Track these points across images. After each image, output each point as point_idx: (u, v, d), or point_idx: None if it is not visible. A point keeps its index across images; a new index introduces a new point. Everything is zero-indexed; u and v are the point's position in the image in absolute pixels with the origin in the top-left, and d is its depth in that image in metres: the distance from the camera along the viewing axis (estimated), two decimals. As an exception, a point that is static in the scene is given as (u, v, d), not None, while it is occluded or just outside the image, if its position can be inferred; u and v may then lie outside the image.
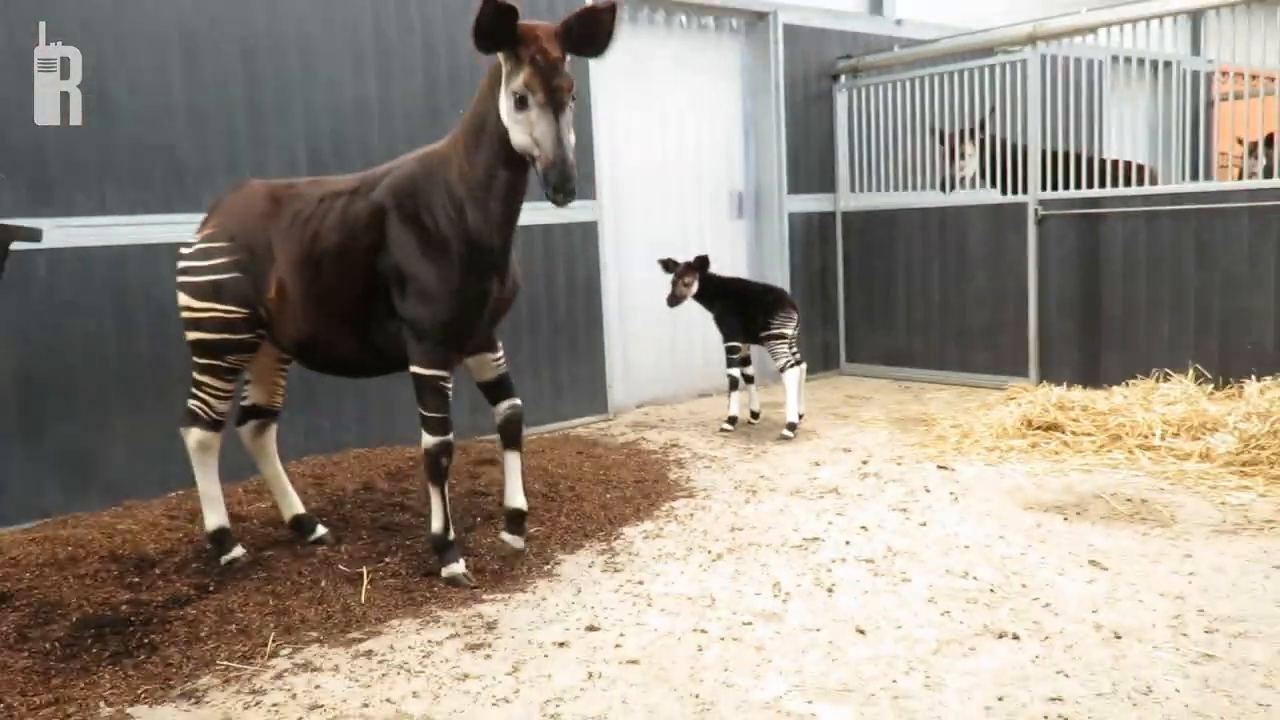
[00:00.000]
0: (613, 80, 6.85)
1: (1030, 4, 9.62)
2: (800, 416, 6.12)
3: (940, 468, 5.28)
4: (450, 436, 3.83)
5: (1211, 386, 5.91)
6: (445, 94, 5.94)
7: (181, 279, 4.00)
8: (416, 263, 3.67)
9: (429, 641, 3.35)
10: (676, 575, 3.89)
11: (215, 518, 4.10)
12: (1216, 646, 3.08)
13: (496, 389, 4.07)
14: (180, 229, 5.07)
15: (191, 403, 4.06)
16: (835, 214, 8.27)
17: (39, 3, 4.61)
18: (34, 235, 3.74)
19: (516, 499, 4.09)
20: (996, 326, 7.31)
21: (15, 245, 3.79)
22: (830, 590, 3.69)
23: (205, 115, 5.16)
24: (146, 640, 3.34)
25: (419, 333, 3.72)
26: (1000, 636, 3.23)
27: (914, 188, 7.84)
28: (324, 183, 4.11)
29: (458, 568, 3.87)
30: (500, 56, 3.43)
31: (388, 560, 4.06)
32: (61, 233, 4.67)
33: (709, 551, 4.15)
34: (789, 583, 3.77)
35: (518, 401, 4.09)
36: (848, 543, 4.19)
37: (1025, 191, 7.01)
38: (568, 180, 3.34)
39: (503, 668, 3.15)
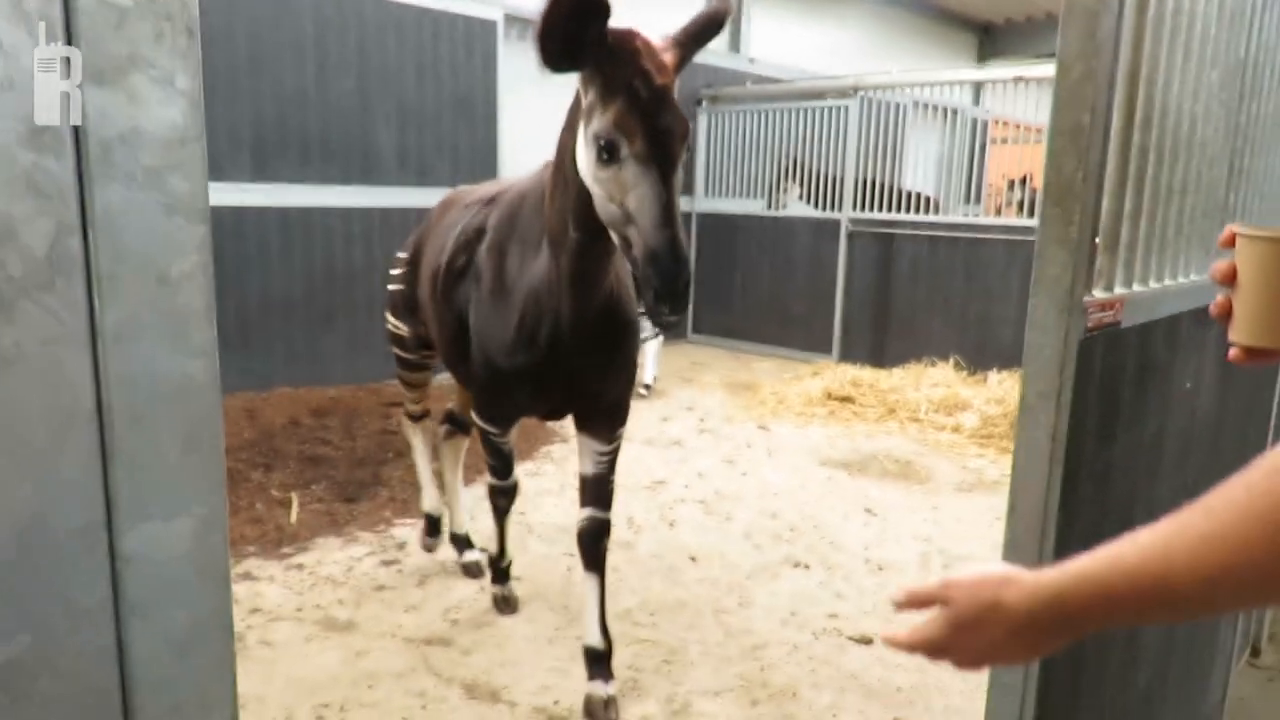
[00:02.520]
0: (518, 84, 6.39)
1: (856, 58, 9.99)
2: (655, 379, 6.32)
3: (760, 428, 5.54)
4: (509, 482, 2.80)
5: (966, 373, 6.40)
6: (376, 90, 5.79)
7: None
8: (482, 300, 2.42)
9: (351, 557, 3.41)
10: (552, 508, 4.02)
11: (428, 501, 3.44)
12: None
13: (585, 487, 2.58)
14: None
15: None
16: (692, 214, 8.45)
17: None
18: None
19: (591, 634, 2.56)
20: (810, 314, 7.67)
21: None
22: (672, 525, 3.89)
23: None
24: (104, 550, 3.27)
25: (471, 376, 2.56)
26: (796, 566, 3.51)
27: (755, 197, 8.11)
28: (490, 188, 2.83)
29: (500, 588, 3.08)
30: (580, 78, 1.93)
31: (313, 487, 4.05)
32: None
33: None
34: (640, 518, 3.95)
35: (601, 515, 2.56)
36: (687, 486, 4.40)
37: (840, 210, 7.36)
38: (676, 280, 1.78)
39: (412, 580, 3.25)
